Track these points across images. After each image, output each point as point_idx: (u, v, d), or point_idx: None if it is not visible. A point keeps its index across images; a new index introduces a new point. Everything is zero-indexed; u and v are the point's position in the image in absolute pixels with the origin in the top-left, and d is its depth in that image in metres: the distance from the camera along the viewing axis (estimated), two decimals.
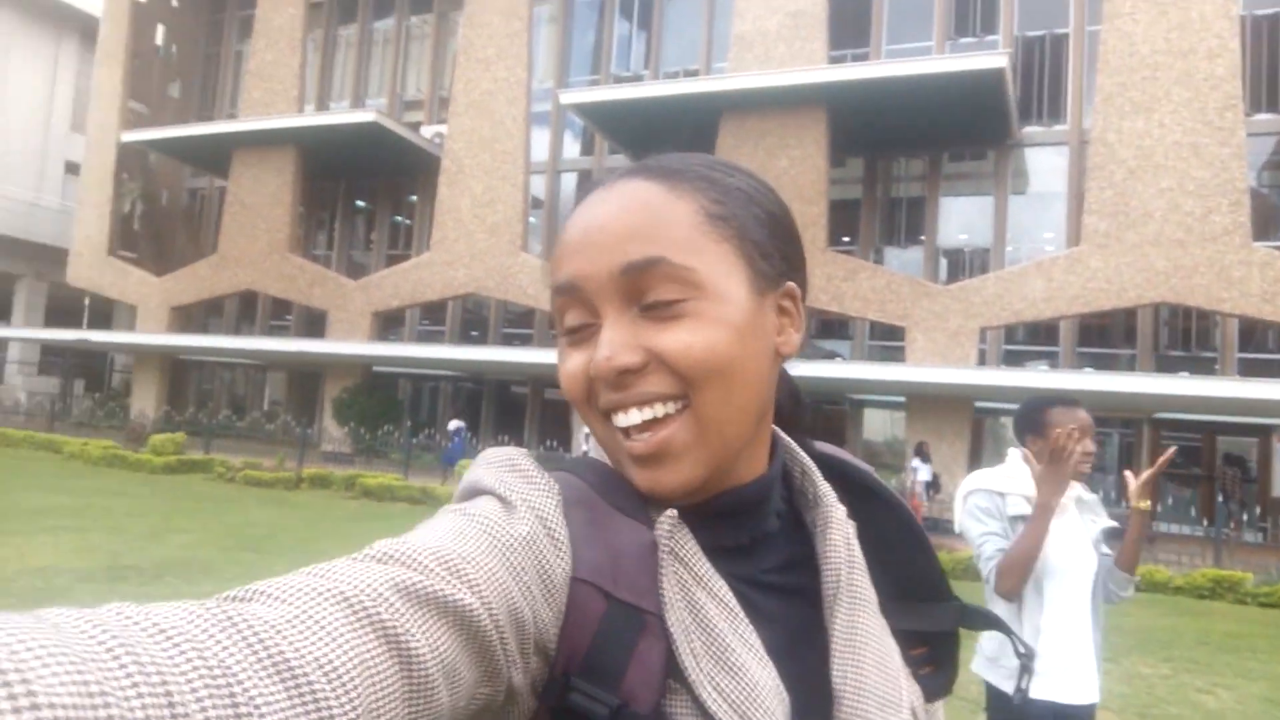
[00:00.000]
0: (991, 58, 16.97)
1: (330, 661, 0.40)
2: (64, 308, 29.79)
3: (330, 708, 0.38)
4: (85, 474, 14.84)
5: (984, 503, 2.59)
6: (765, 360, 0.63)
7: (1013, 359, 19.79)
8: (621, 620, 0.56)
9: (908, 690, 0.65)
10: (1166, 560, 12.29)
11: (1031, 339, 19.99)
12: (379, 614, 0.43)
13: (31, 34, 31.39)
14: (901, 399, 18.31)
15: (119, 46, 26.03)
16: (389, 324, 23.84)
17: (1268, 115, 18.21)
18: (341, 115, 23.16)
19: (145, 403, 24.88)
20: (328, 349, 21.51)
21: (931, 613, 0.70)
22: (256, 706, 0.36)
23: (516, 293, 20.43)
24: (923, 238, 20.77)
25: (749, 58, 19.15)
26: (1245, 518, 16.53)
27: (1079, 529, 2.60)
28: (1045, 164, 20.01)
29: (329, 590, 0.43)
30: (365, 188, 26.30)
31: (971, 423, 17.64)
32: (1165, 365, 18.18)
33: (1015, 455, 2.65)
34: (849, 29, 20.52)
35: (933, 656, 0.70)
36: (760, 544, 0.65)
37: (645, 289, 0.60)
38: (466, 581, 0.48)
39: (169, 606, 0.38)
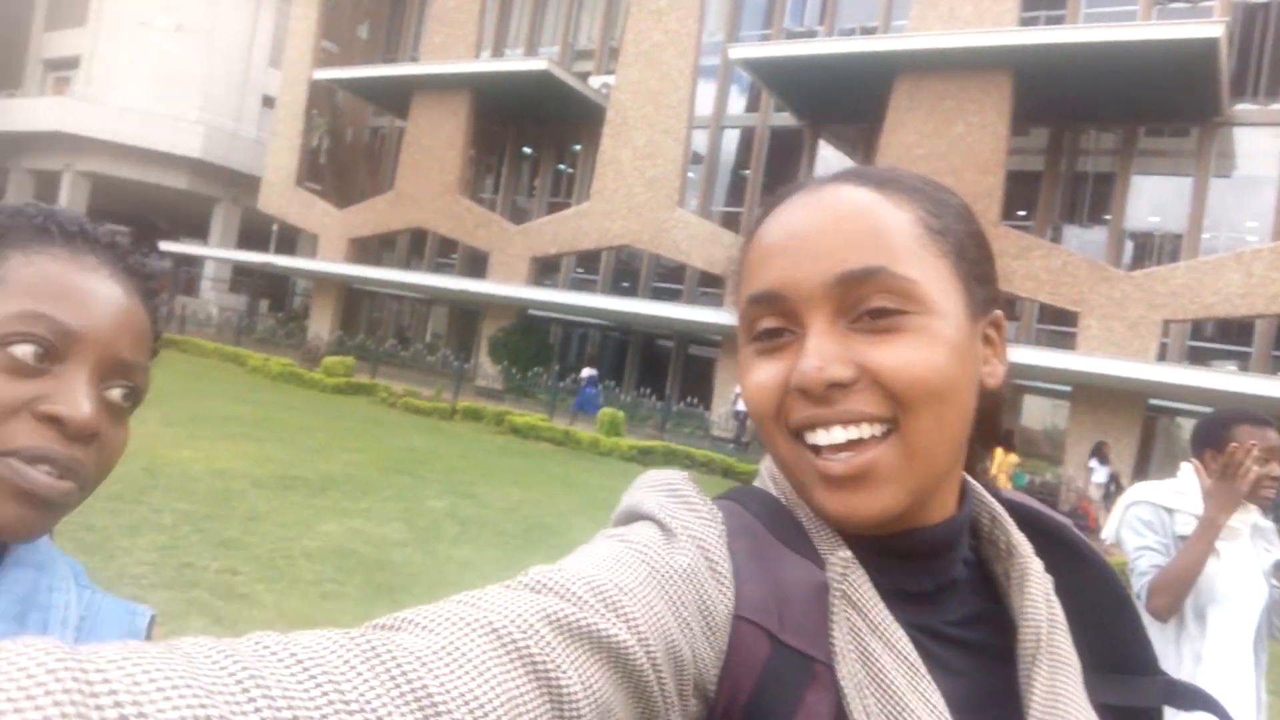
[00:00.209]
0: (1205, 26, 15.37)
1: (476, 698, 0.38)
2: (254, 232, 32.27)
3: None
4: (264, 388, 16.15)
5: (1147, 515, 2.41)
6: (974, 390, 0.59)
7: (1197, 357, 18.21)
8: (788, 667, 0.52)
9: None
10: None
11: (1221, 337, 18.31)
12: (529, 648, 0.41)
13: None
14: (1066, 388, 17.24)
15: None
16: (546, 269, 24.49)
17: None
18: (515, 63, 23.70)
19: (321, 326, 26.74)
20: (487, 289, 22.36)
21: (1134, 686, 0.63)
22: None
23: (670, 247, 20.50)
24: (1108, 217, 19.28)
25: (932, 16, 18.17)
26: None
27: (1251, 557, 2.39)
28: (1257, 146, 18.07)
29: (478, 620, 0.42)
30: (532, 135, 26.90)
31: (1142, 421, 16.43)
32: None
33: (1188, 469, 2.45)
34: None
35: None
36: (944, 592, 0.60)
37: (860, 300, 0.56)
38: (622, 615, 0.46)
39: (311, 636, 0.38)
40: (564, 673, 0.42)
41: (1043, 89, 17.12)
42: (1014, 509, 0.66)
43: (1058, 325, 18.57)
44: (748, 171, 23.01)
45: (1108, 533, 2.54)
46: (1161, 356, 16.96)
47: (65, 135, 30.12)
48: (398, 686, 0.36)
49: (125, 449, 0.73)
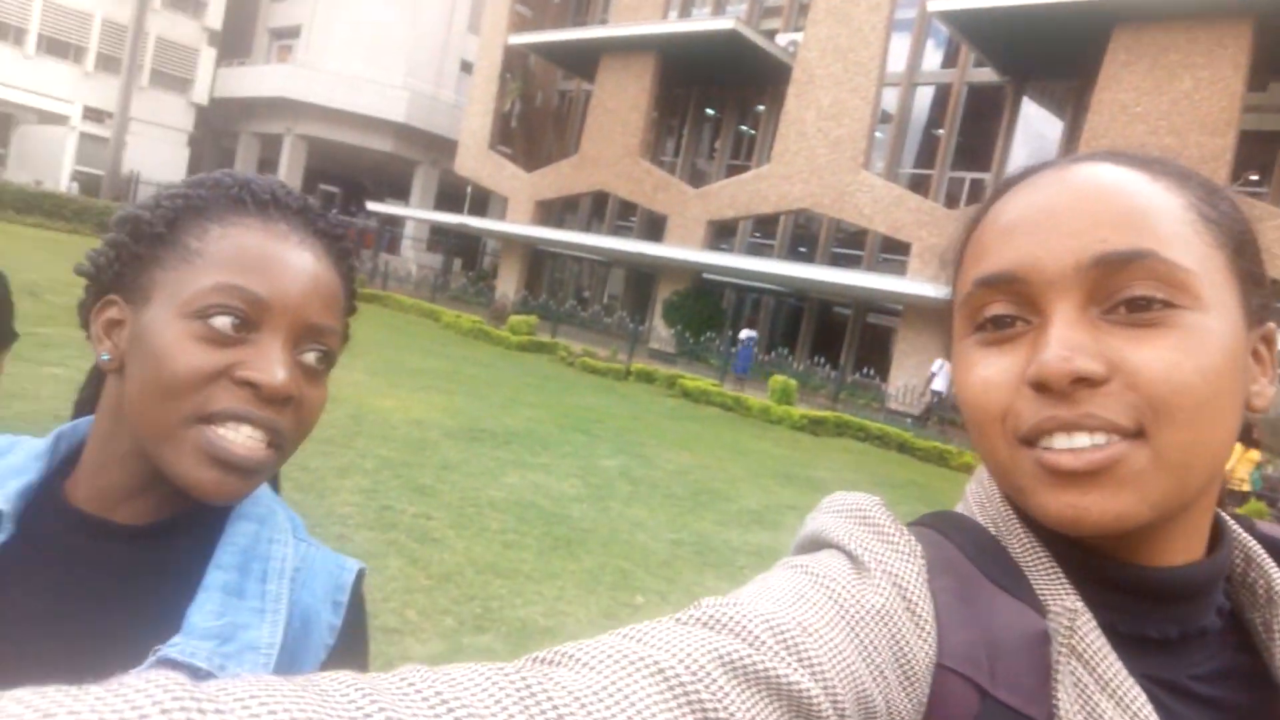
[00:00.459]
0: None
1: None
2: (450, 193, 34.10)
3: None
4: (455, 343, 17.15)
5: None
6: (1240, 410, 0.51)
7: None
8: None
9: None
10: None
11: None
12: (698, 693, 0.38)
13: None
14: None
15: None
16: (721, 233, 24.43)
17: None
18: (702, 22, 23.53)
19: (508, 285, 28.00)
20: (664, 253, 22.59)
21: None
22: None
23: (852, 212, 19.89)
24: None
25: None
26: None
27: None
28: None
29: (643, 659, 0.39)
30: (716, 96, 26.72)
31: None
32: None
33: None
34: None
35: None
36: (1190, 641, 0.52)
37: (1118, 288, 0.48)
38: (806, 659, 0.41)
39: (464, 671, 0.36)
40: None
41: None
42: (1272, 546, 0.58)
43: None
44: (940, 131, 21.87)
45: None
46: None
47: (287, 101, 32.85)
48: None
49: (323, 407, 0.75)
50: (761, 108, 25.51)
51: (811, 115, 20.68)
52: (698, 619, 0.43)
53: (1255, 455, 10.56)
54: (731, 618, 0.42)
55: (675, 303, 23.17)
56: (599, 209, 29.04)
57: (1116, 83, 16.23)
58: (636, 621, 0.41)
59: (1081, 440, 0.47)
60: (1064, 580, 0.51)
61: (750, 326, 20.54)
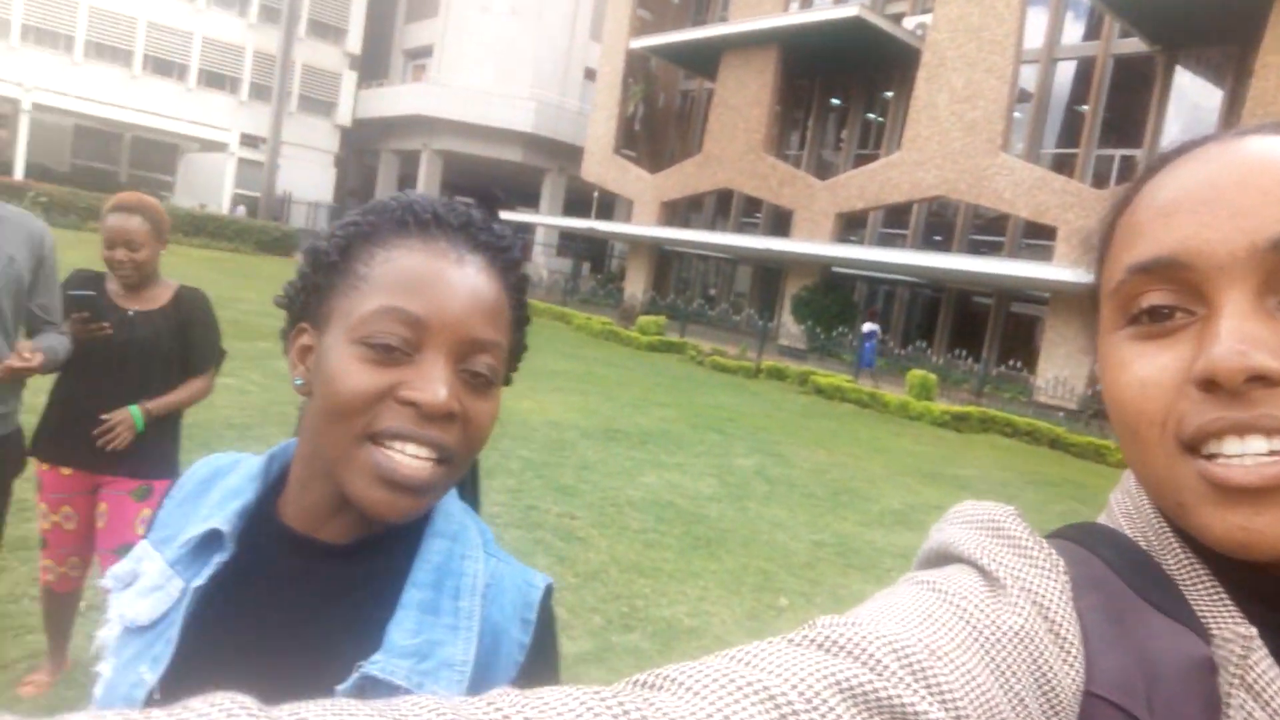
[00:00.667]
0: None
1: None
2: (577, 199, 34.79)
3: None
4: (587, 344, 17.46)
5: None
6: None
7: None
8: None
9: None
10: None
11: None
12: None
13: None
14: None
15: None
16: (850, 225, 23.87)
17: None
18: (824, 11, 23.07)
19: (636, 286, 28.30)
20: (791, 248, 22.27)
21: None
22: None
23: (991, 196, 19.02)
24: None
25: None
26: None
27: None
28: None
29: (752, 683, 0.35)
30: (840, 85, 26.14)
31: None
32: None
33: None
34: None
35: None
36: None
37: None
38: (934, 686, 0.37)
39: (557, 696, 0.34)
40: None
41: None
42: None
43: None
44: (1084, 108, 20.62)
45: None
46: None
47: (423, 118, 34.32)
48: None
49: (494, 419, 0.76)
50: (889, 94, 24.76)
51: (944, 98, 19.91)
52: (812, 640, 0.39)
53: None
54: (850, 639, 0.39)
55: (804, 298, 22.80)
56: (724, 207, 28.93)
57: None
58: (782, 625, 0.38)
59: (1256, 445, 0.42)
60: (1228, 602, 0.45)
61: (872, 319, 19.95)
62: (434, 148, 35.20)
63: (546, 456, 7.05)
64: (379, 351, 0.69)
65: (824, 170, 25.46)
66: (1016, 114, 20.26)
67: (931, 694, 0.37)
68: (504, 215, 31.73)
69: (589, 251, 34.93)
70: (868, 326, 19.20)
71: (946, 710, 0.37)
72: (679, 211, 28.68)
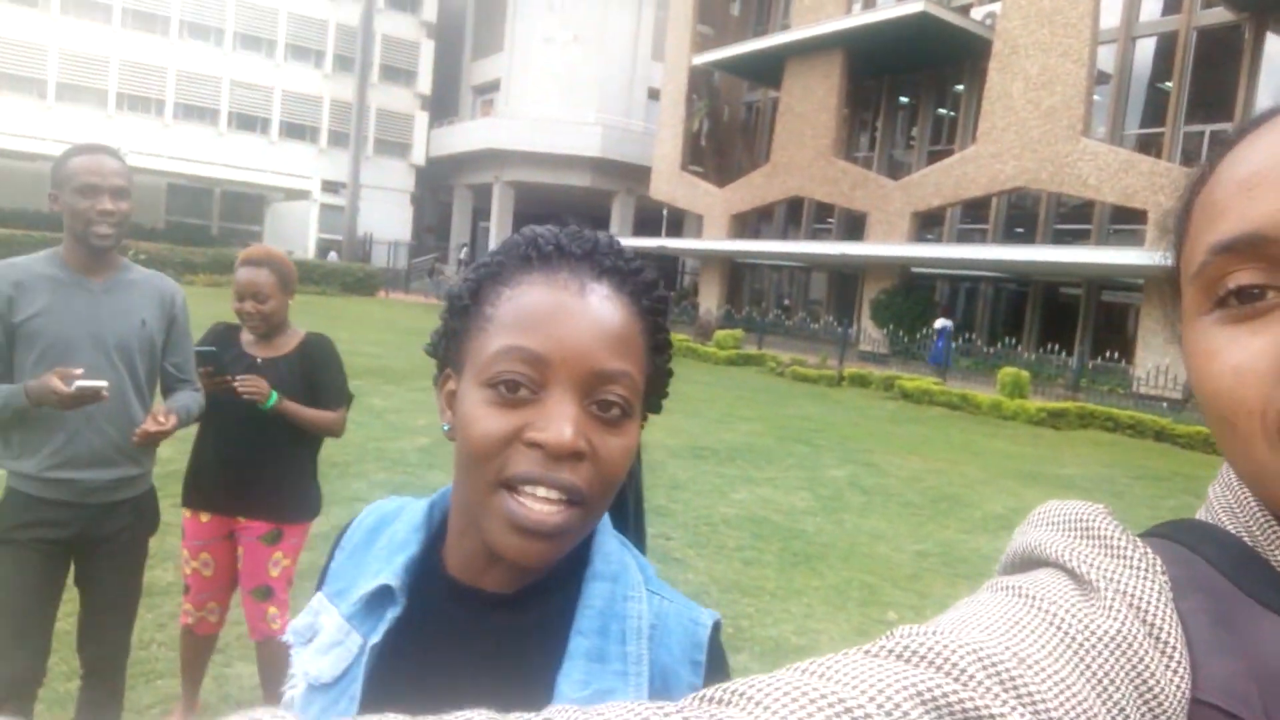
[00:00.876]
0: None
1: None
2: (646, 218, 34.99)
3: None
4: None
5: None
6: None
7: None
8: None
9: None
10: None
11: None
12: None
13: None
14: None
15: None
16: (927, 224, 23.37)
17: None
18: (888, 10, 22.75)
19: (710, 301, 28.24)
20: (867, 251, 21.92)
21: None
22: None
23: (1074, 184, 18.38)
24: None
25: None
26: None
27: None
28: None
29: (826, 696, 0.33)
30: (908, 83, 25.70)
31: None
32: None
33: None
34: None
35: None
36: None
37: None
38: (1026, 697, 0.34)
39: (621, 713, 0.33)
40: None
41: None
42: None
43: None
44: (1168, 85, 19.78)
45: None
46: None
47: (493, 151, 35.09)
48: None
49: (631, 454, 0.71)
50: (960, 87, 24.23)
51: (1019, 87, 19.38)
52: (891, 650, 0.37)
53: None
54: (931, 648, 0.36)
55: (883, 301, 22.39)
56: (794, 215, 28.69)
57: None
58: None
59: None
60: None
61: (946, 315, 19.47)
62: (505, 179, 35.90)
63: None
64: (505, 393, 0.67)
65: (896, 170, 25.02)
66: (1096, 97, 19.57)
67: (1022, 704, 0.34)
68: None
69: (660, 269, 34.63)
70: (940, 323, 18.81)
71: None
72: (749, 223, 28.55)
